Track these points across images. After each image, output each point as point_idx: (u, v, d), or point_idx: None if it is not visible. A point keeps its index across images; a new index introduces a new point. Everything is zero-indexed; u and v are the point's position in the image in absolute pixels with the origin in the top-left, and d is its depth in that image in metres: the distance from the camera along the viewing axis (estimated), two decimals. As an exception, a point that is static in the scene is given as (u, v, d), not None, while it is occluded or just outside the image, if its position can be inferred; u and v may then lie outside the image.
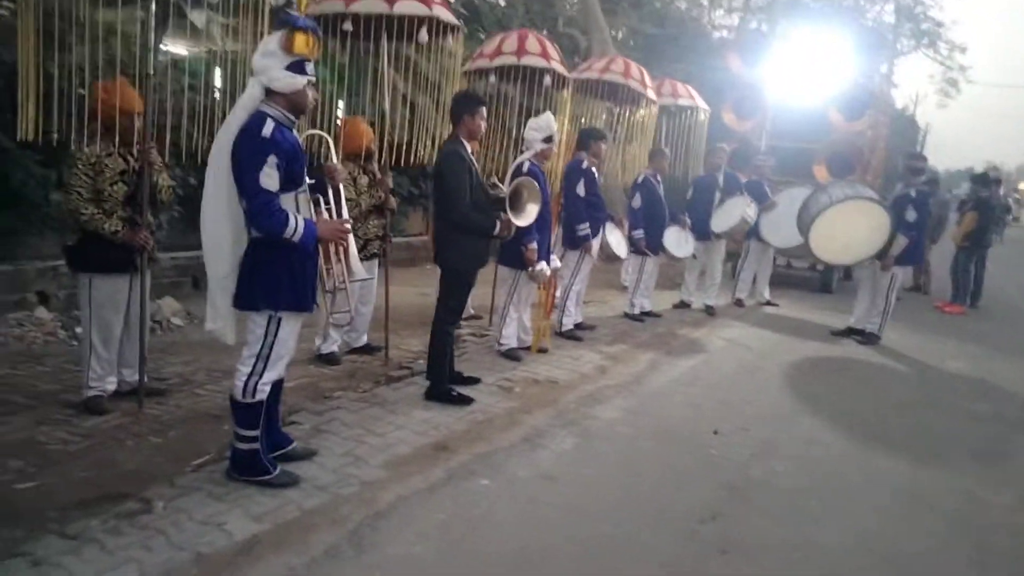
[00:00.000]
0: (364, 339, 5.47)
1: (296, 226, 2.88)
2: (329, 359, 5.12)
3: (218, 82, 4.69)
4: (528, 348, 5.68)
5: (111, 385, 4.07)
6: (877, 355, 6.61)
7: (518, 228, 4.56)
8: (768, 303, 8.83)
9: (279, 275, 2.94)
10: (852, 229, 6.43)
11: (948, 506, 3.50)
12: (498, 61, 5.95)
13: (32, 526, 2.74)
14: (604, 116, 8.18)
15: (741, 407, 4.78)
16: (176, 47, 6.40)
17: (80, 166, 3.77)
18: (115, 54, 4.03)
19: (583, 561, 2.75)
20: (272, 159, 2.81)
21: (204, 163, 3.79)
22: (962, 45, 26.75)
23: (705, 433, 4.23)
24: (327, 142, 3.73)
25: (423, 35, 4.80)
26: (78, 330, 5.53)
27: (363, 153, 5.02)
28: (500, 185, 4.54)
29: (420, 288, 7.89)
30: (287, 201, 2.93)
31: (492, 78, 6.08)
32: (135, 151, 3.94)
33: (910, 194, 6.80)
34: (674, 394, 4.98)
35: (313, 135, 3.97)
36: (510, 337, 5.57)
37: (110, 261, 3.88)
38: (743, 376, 5.58)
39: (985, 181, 10.34)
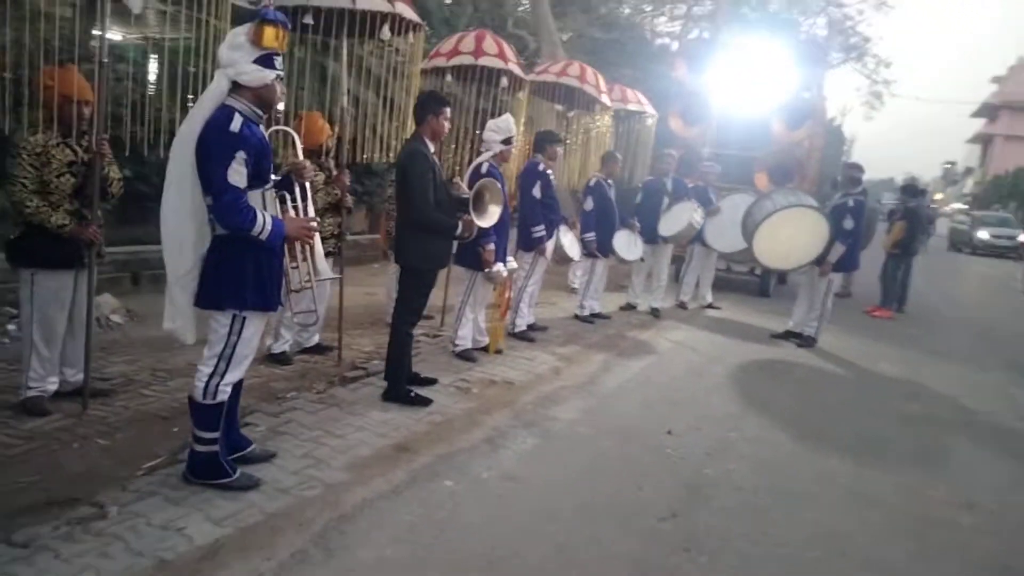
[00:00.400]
0: (316, 339, 5.38)
1: (264, 224, 2.82)
2: (280, 359, 5.01)
3: (154, 71, 4.51)
4: (484, 349, 5.69)
5: (52, 385, 3.89)
6: (815, 358, 6.87)
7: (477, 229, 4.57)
8: (710, 306, 9.08)
9: (244, 273, 2.87)
10: (794, 236, 6.66)
11: (891, 501, 3.68)
12: (455, 60, 5.94)
13: (-26, 534, 2.61)
14: (557, 119, 8.27)
15: (692, 407, 4.90)
16: (110, 33, 6.15)
17: (25, 156, 3.58)
18: (47, 38, 3.81)
19: (553, 561, 2.78)
20: (240, 155, 2.74)
21: (138, 154, 3.65)
22: (887, 60, 27.98)
23: (660, 433, 4.32)
24: (292, 138, 3.65)
25: (385, 32, 4.75)
26: (10, 327, 5.26)
27: (321, 149, 4.94)
28: (462, 186, 4.53)
29: (367, 287, 7.79)
30: (254, 198, 2.86)
31: (448, 77, 6.06)
32: (83, 141, 3.78)
33: (848, 203, 7.10)
34: (628, 395, 5.07)
35: (277, 131, 3.88)
36: (465, 338, 5.56)
37: (55, 256, 3.72)
38: (692, 377, 5.72)
39: (913, 192, 10.88)
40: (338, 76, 4.87)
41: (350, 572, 2.56)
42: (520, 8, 17.67)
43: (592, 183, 7.43)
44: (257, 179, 2.87)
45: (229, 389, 3.00)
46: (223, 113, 2.80)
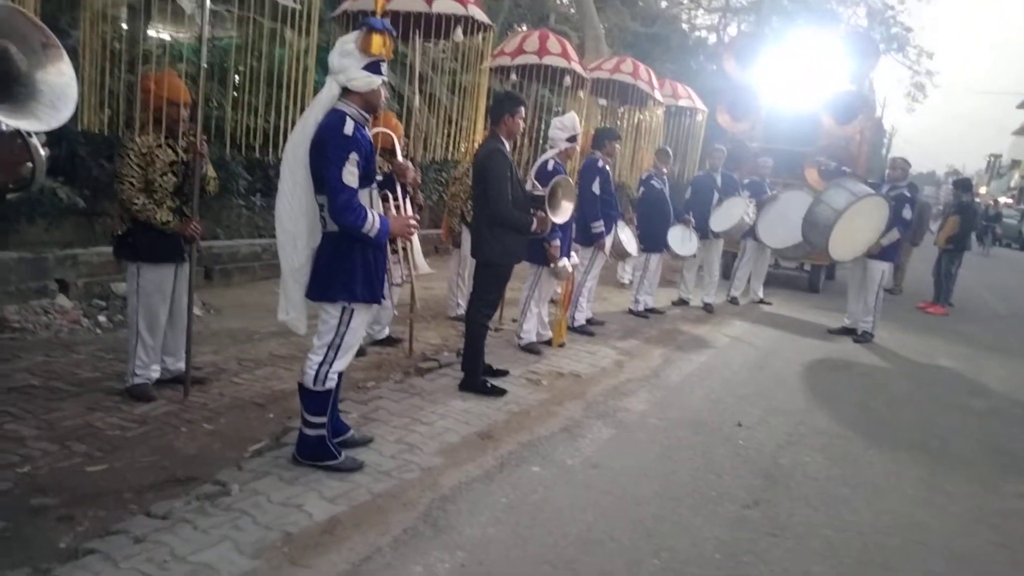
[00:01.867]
0: (387, 331, 5.56)
1: (373, 222, 2.99)
2: (357, 351, 5.20)
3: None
4: (548, 342, 5.83)
5: (155, 373, 4.12)
6: (873, 353, 6.89)
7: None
8: (762, 301, 9.11)
9: (354, 268, 3.05)
10: (863, 225, 6.67)
11: (966, 493, 3.74)
12: (520, 60, 6.08)
13: (113, 506, 2.83)
14: (603, 115, 8.36)
15: (758, 400, 4.99)
16: (162, 32, 6.39)
17: (132, 156, 3.80)
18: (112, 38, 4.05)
19: (646, 544, 2.91)
20: (353, 156, 2.91)
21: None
22: (929, 50, 27.42)
23: (730, 425, 4.43)
24: (392, 140, 3.82)
25: (458, 34, 4.91)
26: (101, 318, 5.55)
27: (394, 147, 5.11)
28: (538, 184, 4.67)
29: (426, 282, 7.96)
30: (362, 197, 3.03)
31: (514, 76, 6.20)
32: (182, 142, 3.99)
33: (905, 193, 7.13)
34: (693, 388, 5.17)
35: (378, 133, 4.05)
36: (530, 331, 5.71)
37: (159, 251, 3.94)
38: (753, 371, 5.80)
39: (967, 186, 10.76)
40: (413, 74, 5.04)
41: (459, 548, 2.72)
42: (560, 2, 17.76)
43: (645, 177, 7.53)
44: (365, 179, 3.04)
45: (336, 377, 3.19)
46: (337, 117, 2.97)
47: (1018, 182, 44.84)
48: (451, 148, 5.86)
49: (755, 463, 3.87)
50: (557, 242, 5.27)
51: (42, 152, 1.84)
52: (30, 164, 1.83)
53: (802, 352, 6.62)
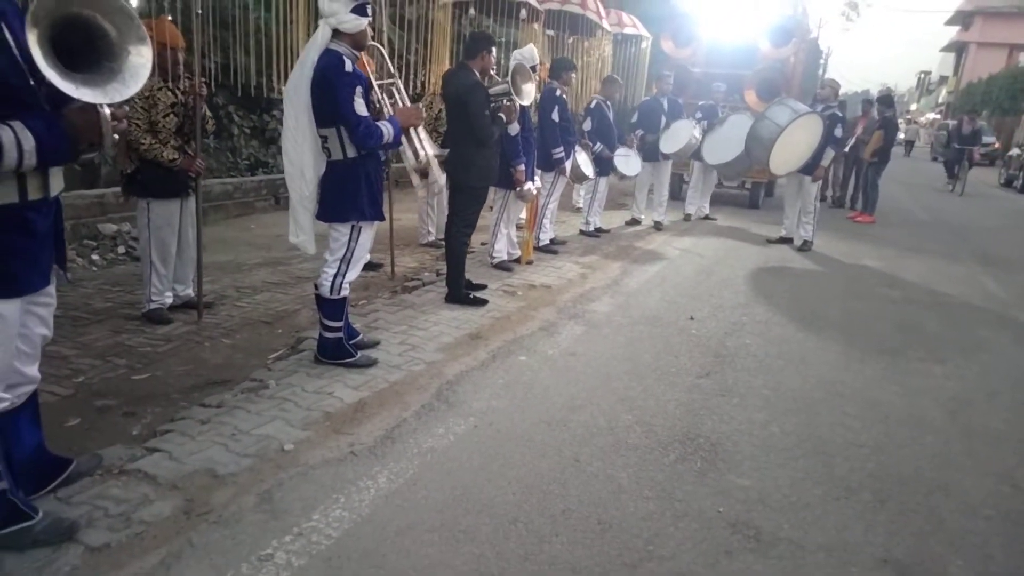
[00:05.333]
0: (367, 256, 5.99)
1: (388, 131, 3.45)
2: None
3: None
4: (516, 260, 6.37)
5: (168, 299, 4.52)
6: (807, 257, 7.66)
7: (506, 151, 5.19)
8: (707, 217, 9.80)
9: (360, 191, 3.49)
10: (800, 141, 7.27)
11: (878, 360, 4.49)
12: (477, -6, 6.39)
13: (166, 404, 3.31)
14: (551, 45, 8.72)
15: (707, 300, 5.66)
16: None
17: (136, 100, 4.09)
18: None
19: (619, 405, 3.54)
20: (359, 90, 3.32)
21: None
22: (862, -30, 28.04)
23: (683, 319, 5.08)
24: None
25: (422, -28, 5.22)
26: (94, 257, 5.86)
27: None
28: (496, 78, 5.09)
29: (395, 213, 8.36)
30: None
31: (472, 11, 6.52)
32: (180, 85, 4.30)
33: (837, 113, 7.78)
34: (650, 292, 5.81)
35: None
36: (501, 251, 6.24)
37: (166, 187, 4.29)
38: (702, 277, 6.47)
39: (888, 102, 11.50)
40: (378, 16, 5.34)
41: (470, 415, 3.30)
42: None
43: (592, 105, 7.94)
44: (369, 105, 3.46)
45: (348, 286, 3.67)
46: (334, 57, 3.35)
47: (945, 97, 46.53)
48: (408, 82, 6.17)
49: (706, 346, 4.54)
50: (522, 167, 5.73)
51: (109, 120, 2.13)
52: (102, 130, 2.14)
53: (744, 259, 7.33)
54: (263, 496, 2.53)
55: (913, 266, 7.52)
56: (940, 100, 48.89)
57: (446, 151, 4.67)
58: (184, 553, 2.19)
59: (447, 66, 6.68)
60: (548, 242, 7.12)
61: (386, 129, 3.44)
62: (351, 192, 3.50)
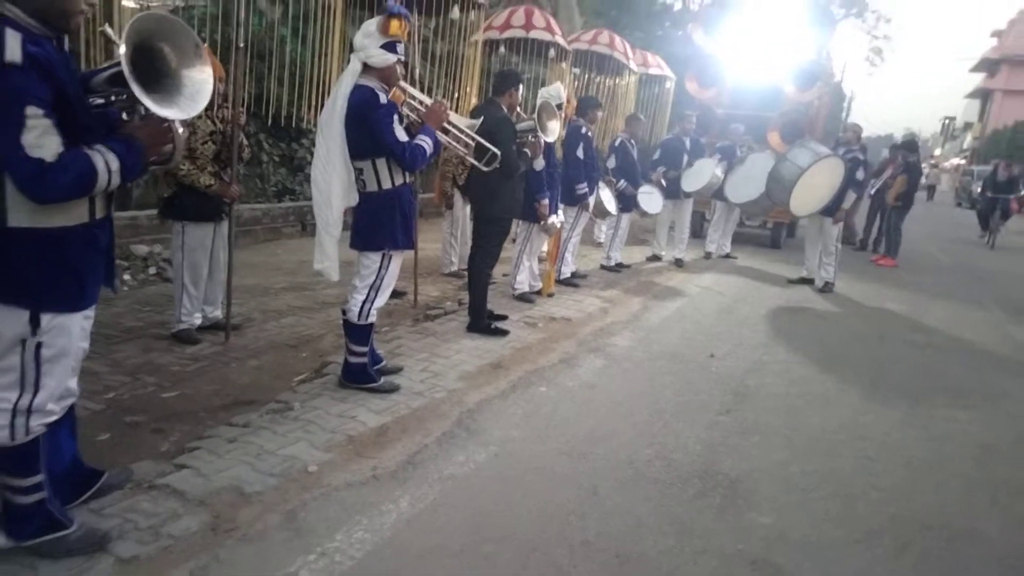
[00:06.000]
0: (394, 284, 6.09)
1: (428, 143, 3.57)
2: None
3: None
4: (538, 292, 6.43)
5: (198, 320, 4.62)
6: (829, 299, 7.64)
7: (530, 185, 5.31)
8: (728, 256, 9.83)
9: (394, 220, 3.59)
10: (822, 184, 7.33)
11: (901, 404, 4.46)
12: (508, 34, 6.57)
13: (194, 422, 3.37)
14: (575, 84, 8.89)
15: (727, 338, 5.66)
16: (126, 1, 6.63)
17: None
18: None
19: (639, 440, 3.55)
20: (396, 118, 3.44)
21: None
22: (887, 15, 28.31)
23: (703, 357, 5.09)
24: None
25: (455, 12, 5.39)
26: (126, 277, 6.00)
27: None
28: (524, 116, 5.21)
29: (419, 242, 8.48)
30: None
31: (502, 49, 6.69)
32: (219, 113, 4.45)
33: (859, 156, 7.84)
34: (670, 328, 5.83)
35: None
36: (523, 282, 6.31)
37: (201, 211, 4.42)
38: (723, 315, 6.49)
39: (913, 147, 11.54)
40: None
41: (491, 444, 3.33)
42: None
43: (617, 143, 8.08)
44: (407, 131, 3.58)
45: (376, 313, 3.74)
46: (368, 92, 3.46)
47: (970, 143, 46.38)
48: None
49: (726, 384, 4.54)
50: (546, 200, 5.83)
51: (181, 135, 2.29)
52: (171, 146, 2.29)
53: (765, 299, 7.33)
54: (288, 515, 2.57)
55: (936, 311, 7.48)
56: (965, 146, 48.72)
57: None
58: (211, 568, 2.24)
59: (475, 101, 6.86)
60: (569, 275, 7.18)
61: (426, 143, 3.56)
62: (385, 221, 3.59)
